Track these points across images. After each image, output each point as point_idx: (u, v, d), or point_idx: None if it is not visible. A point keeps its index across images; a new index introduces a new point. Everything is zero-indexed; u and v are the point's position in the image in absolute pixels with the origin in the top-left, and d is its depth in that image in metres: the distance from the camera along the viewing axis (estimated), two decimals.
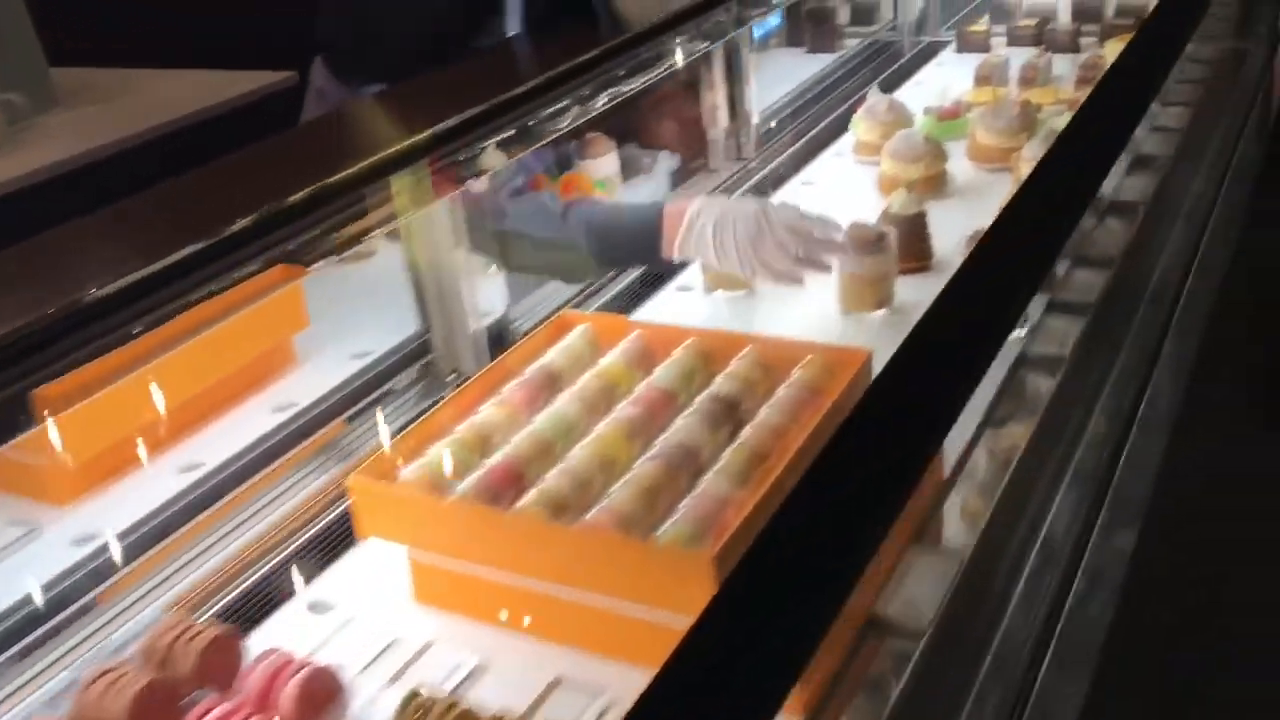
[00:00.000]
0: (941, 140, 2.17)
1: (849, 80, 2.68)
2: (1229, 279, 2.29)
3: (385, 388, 1.58)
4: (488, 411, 1.22)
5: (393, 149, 1.34)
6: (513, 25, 1.70)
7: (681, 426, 1.15)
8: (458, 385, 1.40)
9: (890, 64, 2.76)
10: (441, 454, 1.15)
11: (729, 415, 1.18)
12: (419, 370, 1.59)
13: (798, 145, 2.30)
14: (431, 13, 1.65)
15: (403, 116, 1.50)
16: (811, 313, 1.62)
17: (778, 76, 2.67)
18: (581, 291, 1.74)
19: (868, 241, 1.55)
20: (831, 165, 2.17)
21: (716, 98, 2.19)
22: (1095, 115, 1.52)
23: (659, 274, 1.76)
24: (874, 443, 0.86)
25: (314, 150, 1.49)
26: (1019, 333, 1.63)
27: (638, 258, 1.63)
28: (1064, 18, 2.77)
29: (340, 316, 1.70)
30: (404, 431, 1.21)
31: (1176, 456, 1.79)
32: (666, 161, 2.09)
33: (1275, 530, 2.50)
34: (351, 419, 1.55)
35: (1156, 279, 1.97)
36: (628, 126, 2.10)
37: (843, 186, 2.06)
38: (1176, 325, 1.94)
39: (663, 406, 1.21)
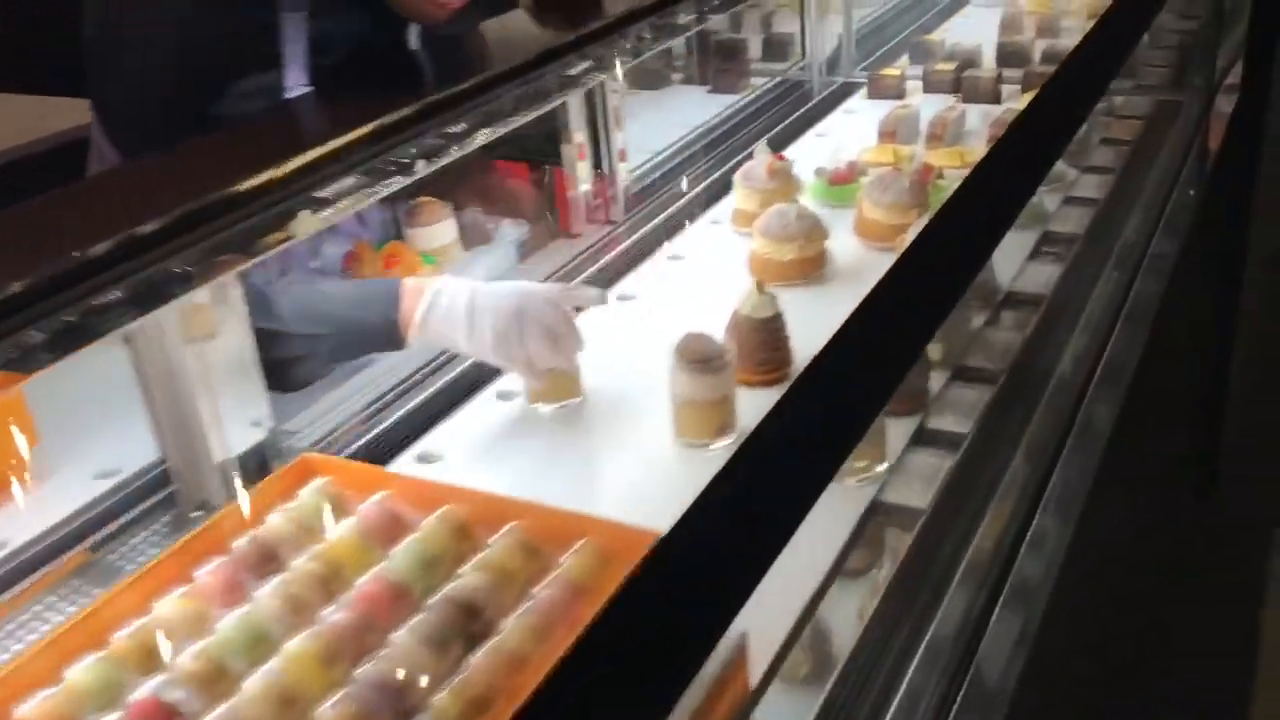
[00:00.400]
0: (834, 206, 1.93)
1: (749, 126, 2.43)
2: (1156, 335, 2.09)
3: (119, 523, 1.31)
4: (167, 607, 0.96)
5: (163, 220, 1.09)
6: (295, 79, 1.43)
7: (397, 648, 0.89)
8: (204, 521, 1.14)
9: (796, 108, 2.50)
10: (86, 674, 0.89)
11: (465, 626, 0.92)
12: (161, 503, 1.32)
13: (677, 206, 2.04)
14: (191, 64, 1.38)
15: (175, 183, 1.24)
16: (644, 440, 1.36)
17: (672, 120, 2.41)
18: (375, 403, 1.47)
19: (702, 360, 1.29)
20: (707, 235, 1.91)
21: (581, 151, 1.93)
22: (983, 185, 1.26)
23: (478, 379, 1.49)
24: (626, 668, 0.60)
25: (77, 218, 1.23)
26: (880, 467, 1.38)
27: (375, 339, 1.38)
28: (987, 63, 2.53)
29: (93, 425, 1.44)
30: (46, 637, 0.94)
31: (1095, 516, 1.60)
32: (514, 229, 1.83)
33: (1212, 580, 2.46)
34: (91, 550, 1.29)
35: (1070, 356, 1.74)
36: (470, 188, 1.83)
37: (714, 263, 1.80)
38: (1099, 382, 1.73)
39: (388, 608, 0.94)
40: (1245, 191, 2.49)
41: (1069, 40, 2.61)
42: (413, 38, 1.60)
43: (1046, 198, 1.91)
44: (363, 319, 1.34)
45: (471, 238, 1.79)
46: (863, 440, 0.91)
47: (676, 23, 1.81)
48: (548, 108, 1.65)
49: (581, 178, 1.93)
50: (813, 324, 1.56)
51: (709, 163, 2.22)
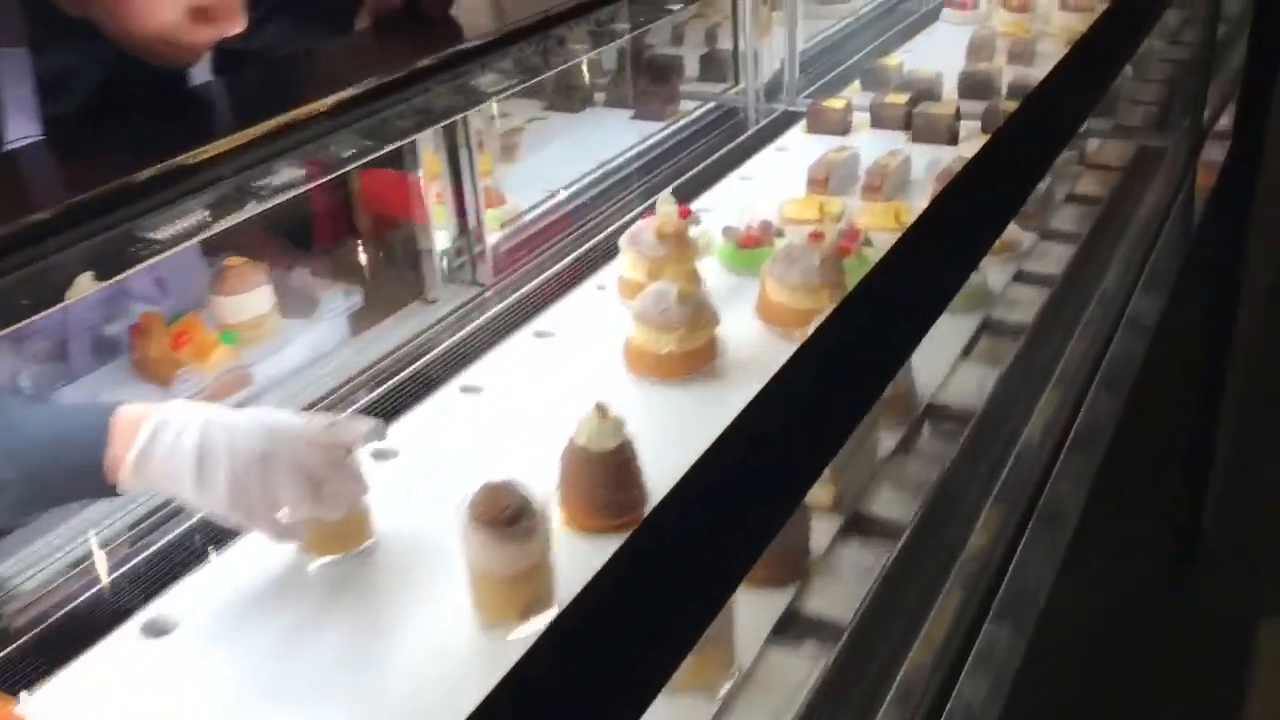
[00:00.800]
0: (742, 274, 1.61)
1: (669, 161, 2.11)
2: (1131, 410, 1.80)
3: None
4: None
5: None
6: (19, 129, 1.11)
7: None
8: None
9: (727, 141, 2.18)
10: None
11: None
12: None
13: (559, 266, 1.72)
14: None
15: None
16: (435, 613, 1.04)
17: (581, 152, 2.10)
18: (112, 543, 1.15)
19: (501, 522, 0.97)
20: (588, 304, 1.59)
21: (437, 197, 1.61)
22: (910, 258, 0.93)
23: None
24: None
25: None
26: (726, 673, 1.06)
27: (74, 486, 1.05)
28: (947, 94, 2.21)
29: None
30: None
31: (1058, 608, 1.36)
32: (345, 297, 1.51)
33: (1189, 677, 2.23)
34: None
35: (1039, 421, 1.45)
36: (291, 246, 1.52)
37: (589, 344, 1.49)
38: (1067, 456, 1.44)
39: None
40: (1236, 251, 2.19)
41: (1041, 70, 2.30)
42: (200, 69, 1.28)
43: (993, 270, 1.59)
44: (56, 461, 1.01)
45: (292, 307, 1.48)
46: (705, 635, 0.60)
47: (544, 51, 1.49)
48: (379, 154, 1.34)
49: (440, 228, 1.62)
50: (691, 438, 1.26)
51: (610, 209, 1.90)
